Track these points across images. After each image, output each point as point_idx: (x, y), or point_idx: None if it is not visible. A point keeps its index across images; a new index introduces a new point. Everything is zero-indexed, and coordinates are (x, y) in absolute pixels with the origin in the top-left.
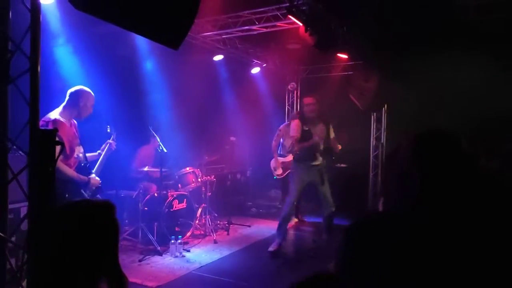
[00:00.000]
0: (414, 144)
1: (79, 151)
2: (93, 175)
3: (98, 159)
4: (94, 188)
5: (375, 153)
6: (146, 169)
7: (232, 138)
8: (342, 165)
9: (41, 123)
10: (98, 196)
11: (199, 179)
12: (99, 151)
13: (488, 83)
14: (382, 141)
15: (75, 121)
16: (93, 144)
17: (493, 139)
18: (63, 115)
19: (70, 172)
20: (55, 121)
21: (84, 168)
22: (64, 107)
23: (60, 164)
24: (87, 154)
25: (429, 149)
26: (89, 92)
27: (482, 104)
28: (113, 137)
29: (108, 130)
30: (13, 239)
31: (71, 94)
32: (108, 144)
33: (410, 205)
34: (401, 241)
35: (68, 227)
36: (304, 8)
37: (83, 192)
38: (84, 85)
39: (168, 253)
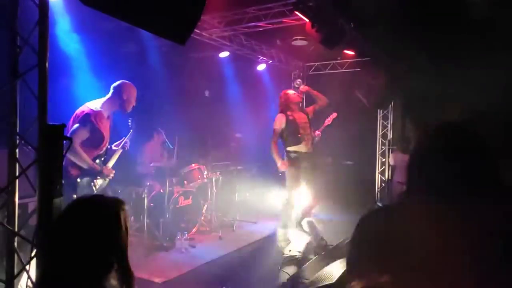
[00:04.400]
0: (430, 136)
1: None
2: (107, 166)
3: (111, 155)
4: (107, 178)
5: (382, 150)
6: (152, 165)
7: (238, 135)
8: (348, 162)
9: (79, 112)
10: (108, 192)
11: (205, 176)
12: (112, 146)
13: (501, 80)
14: (388, 138)
15: (111, 113)
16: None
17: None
18: (105, 107)
19: (86, 157)
20: (97, 112)
21: (99, 162)
22: (108, 99)
23: (78, 148)
24: None
25: (445, 141)
26: (131, 85)
27: (494, 101)
28: (130, 134)
29: (129, 123)
30: (21, 233)
31: (115, 87)
32: (123, 142)
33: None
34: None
35: (79, 221)
36: (310, 4)
37: (92, 185)
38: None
39: (174, 249)
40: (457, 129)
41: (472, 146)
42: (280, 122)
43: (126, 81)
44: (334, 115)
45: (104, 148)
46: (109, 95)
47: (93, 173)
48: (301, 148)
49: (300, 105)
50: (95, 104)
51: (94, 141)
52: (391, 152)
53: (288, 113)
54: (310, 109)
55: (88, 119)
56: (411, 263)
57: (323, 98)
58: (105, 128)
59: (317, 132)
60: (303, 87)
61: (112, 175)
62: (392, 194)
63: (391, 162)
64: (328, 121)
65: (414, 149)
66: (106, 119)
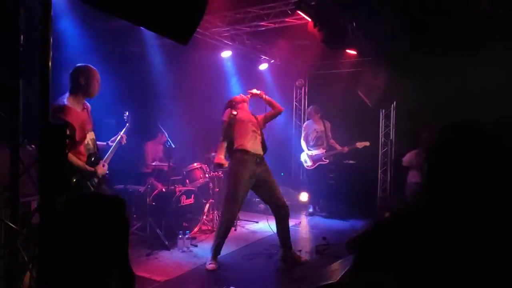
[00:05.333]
0: (444, 135)
1: (89, 138)
2: (99, 165)
3: (108, 151)
4: (100, 177)
5: (384, 150)
6: (154, 163)
7: None
8: (351, 161)
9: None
10: (104, 187)
11: (207, 175)
12: (108, 142)
13: (501, 80)
14: (390, 138)
15: (88, 105)
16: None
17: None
18: (70, 99)
19: (78, 162)
20: (61, 107)
21: (94, 161)
22: (69, 91)
23: (69, 154)
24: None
25: (461, 139)
26: (88, 67)
27: (495, 101)
28: (126, 128)
29: (125, 118)
30: (24, 231)
31: (70, 74)
32: (119, 137)
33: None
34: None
35: (79, 221)
36: (312, 3)
37: (89, 184)
38: None
39: (175, 248)
40: (476, 128)
41: (494, 146)
42: (227, 115)
43: (82, 64)
44: (367, 143)
45: (88, 143)
46: (70, 83)
47: (87, 174)
48: (247, 147)
49: (247, 106)
50: (60, 100)
51: (73, 137)
52: (410, 152)
53: (234, 110)
54: (260, 116)
55: (55, 116)
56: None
57: (277, 106)
58: (78, 120)
59: (346, 148)
60: (254, 91)
61: (105, 173)
62: (408, 196)
63: (406, 162)
64: (360, 145)
65: (432, 150)
66: (79, 111)
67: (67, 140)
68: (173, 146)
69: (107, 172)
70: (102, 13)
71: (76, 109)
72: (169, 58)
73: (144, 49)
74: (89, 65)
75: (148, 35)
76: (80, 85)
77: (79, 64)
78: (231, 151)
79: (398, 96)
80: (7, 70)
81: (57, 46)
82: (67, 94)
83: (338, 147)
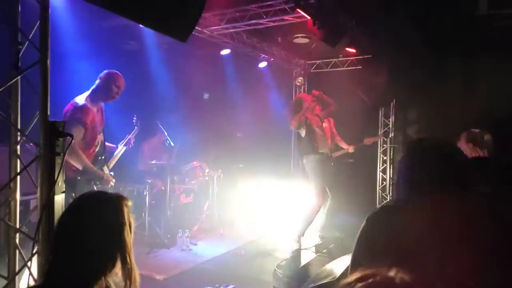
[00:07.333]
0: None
1: (99, 139)
2: (107, 172)
3: (114, 152)
4: (105, 185)
5: (383, 148)
6: (153, 162)
7: (239, 135)
8: (350, 160)
9: (68, 106)
10: (109, 189)
11: (206, 174)
12: (118, 145)
13: (500, 80)
14: (390, 136)
15: (103, 104)
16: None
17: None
18: (89, 99)
19: (85, 159)
20: (83, 107)
21: (100, 161)
22: (93, 90)
23: (76, 148)
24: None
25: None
26: (120, 75)
27: (492, 100)
28: (134, 131)
29: (134, 121)
30: (23, 230)
31: (104, 78)
32: (126, 140)
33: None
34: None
35: (84, 217)
36: (312, 1)
37: (92, 183)
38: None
39: (175, 246)
40: (437, 142)
41: (449, 155)
42: None
43: (114, 71)
44: (377, 138)
45: (98, 144)
46: (97, 86)
47: (93, 177)
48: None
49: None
50: (81, 98)
51: (85, 138)
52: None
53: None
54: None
55: (74, 116)
56: (416, 257)
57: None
58: (94, 122)
59: (351, 147)
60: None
61: (112, 183)
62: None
63: None
64: (368, 141)
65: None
66: (95, 112)
67: (70, 139)
68: (172, 145)
69: (114, 181)
70: (101, 11)
71: (93, 109)
72: (168, 56)
73: (142, 47)
74: (118, 72)
75: (147, 33)
76: (111, 90)
77: (112, 70)
78: None
79: (398, 95)
80: (5, 68)
81: (56, 44)
82: (89, 93)
83: (345, 146)
